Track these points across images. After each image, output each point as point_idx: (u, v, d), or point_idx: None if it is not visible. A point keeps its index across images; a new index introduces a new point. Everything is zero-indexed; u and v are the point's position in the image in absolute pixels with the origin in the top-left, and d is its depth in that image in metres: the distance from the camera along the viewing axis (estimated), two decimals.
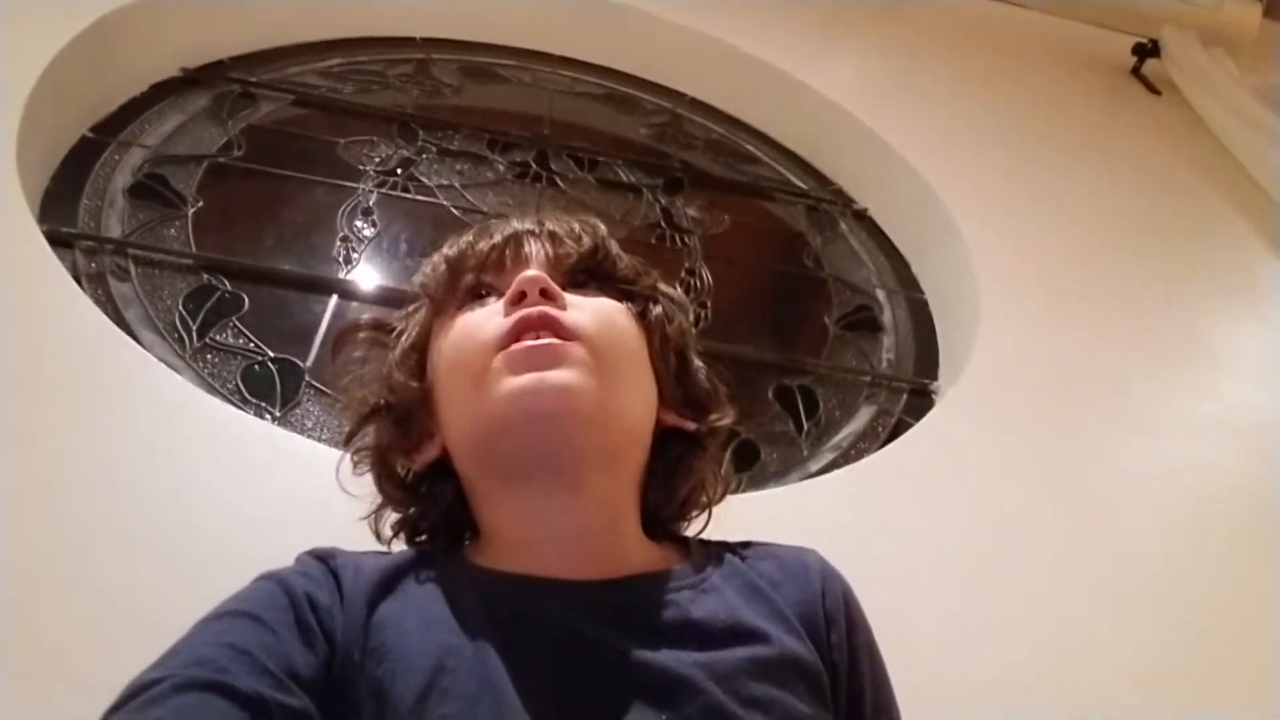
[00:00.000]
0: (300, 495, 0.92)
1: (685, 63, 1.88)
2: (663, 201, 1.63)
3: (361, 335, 0.71)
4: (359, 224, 1.40)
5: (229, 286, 1.23)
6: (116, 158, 1.35)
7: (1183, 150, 1.97)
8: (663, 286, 0.69)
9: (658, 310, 0.65)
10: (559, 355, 0.55)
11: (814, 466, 1.25)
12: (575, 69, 1.87)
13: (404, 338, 0.66)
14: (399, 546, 0.65)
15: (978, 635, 1.00)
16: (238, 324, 1.19)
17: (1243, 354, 1.53)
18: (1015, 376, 1.32)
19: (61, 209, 1.24)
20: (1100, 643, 1.04)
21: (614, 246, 0.67)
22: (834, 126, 1.78)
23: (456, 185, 1.53)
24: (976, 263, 1.47)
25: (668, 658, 0.51)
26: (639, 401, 0.61)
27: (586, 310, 0.60)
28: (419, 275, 0.69)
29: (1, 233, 1.09)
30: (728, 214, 1.65)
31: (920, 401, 1.38)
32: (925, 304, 1.58)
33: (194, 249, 1.27)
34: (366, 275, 1.33)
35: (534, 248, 0.64)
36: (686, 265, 1.51)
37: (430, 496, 0.65)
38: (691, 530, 0.68)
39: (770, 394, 1.35)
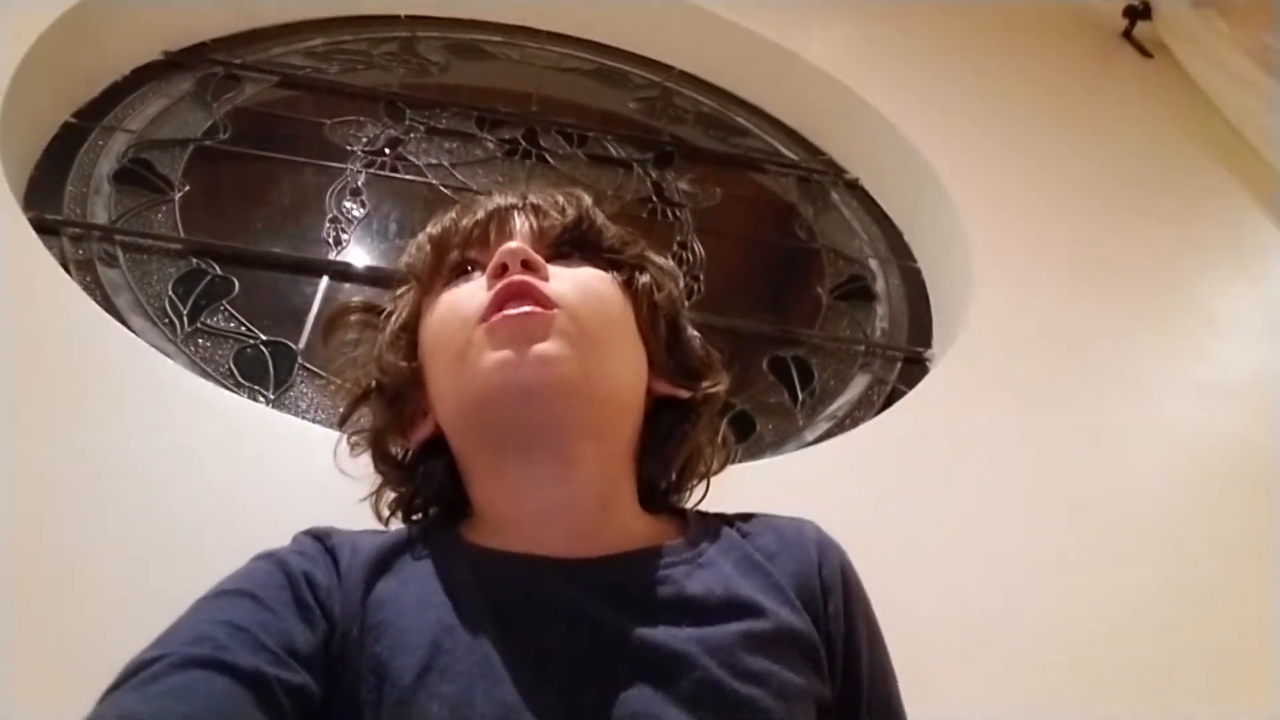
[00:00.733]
0: (295, 476, 0.92)
1: (673, 35, 1.86)
2: (653, 176, 1.62)
3: (353, 318, 0.70)
4: (348, 205, 1.39)
5: (219, 270, 1.23)
6: (101, 143, 1.33)
7: (1175, 113, 1.96)
8: (651, 254, 0.68)
9: (645, 279, 0.64)
10: (538, 324, 0.55)
11: (810, 436, 1.25)
12: (563, 44, 1.85)
13: (393, 319, 0.66)
14: (397, 525, 0.66)
15: (976, 597, 1.01)
16: (228, 308, 1.19)
17: (1235, 314, 1.53)
18: (1008, 342, 1.32)
19: (47, 196, 1.23)
20: (1097, 602, 1.05)
21: (599, 216, 0.66)
22: (824, 96, 1.77)
23: (445, 164, 1.52)
24: (968, 230, 1.47)
25: (663, 634, 0.51)
26: (626, 371, 0.60)
27: (568, 280, 0.59)
28: (405, 256, 0.68)
29: None
30: (719, 187, 1.64)
31: (915, 369, 1.38)
32: (918, 272, 1.57)
33: (182, 233, 1.26)
34: (357, 256, 1.32)
35: (518, 221, 0.63)
36: (678, 239, 1.51)
37: (425, 475, 0.64)
38: (691, 501, 0.68)
39: (765, 365, 1.35)
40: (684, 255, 1.48)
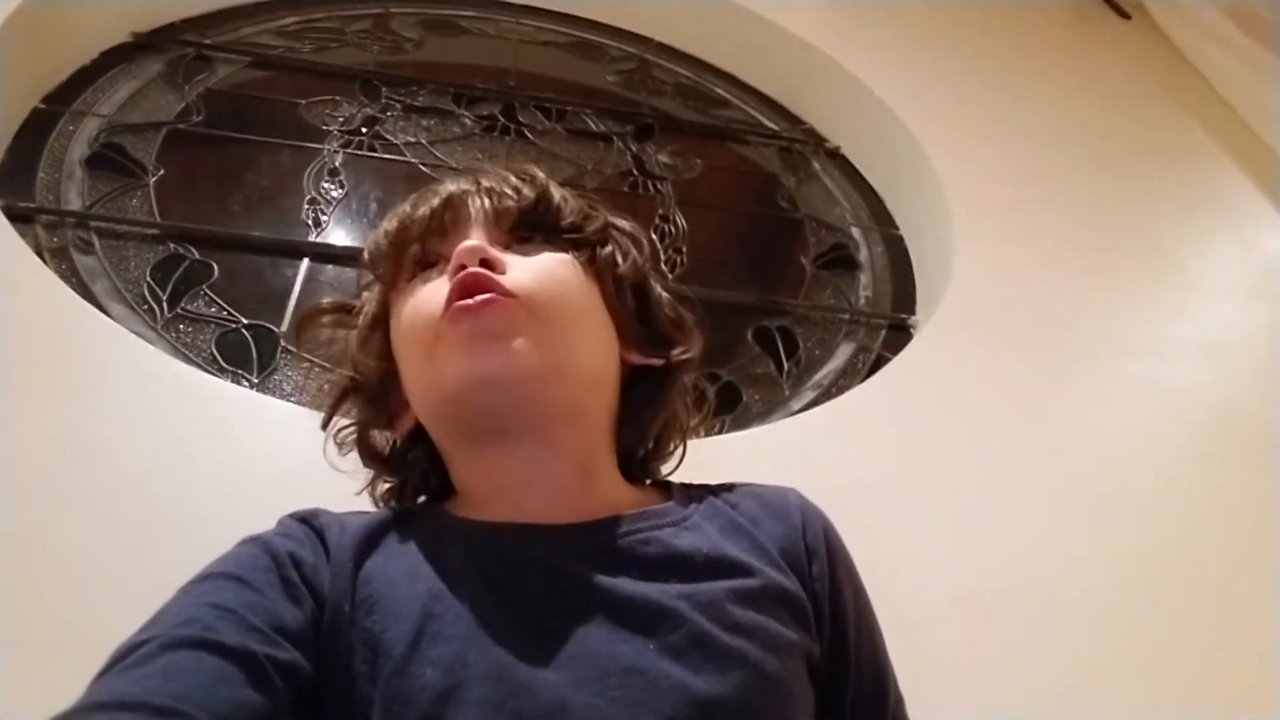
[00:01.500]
0: (282, 458, 0.92)
1: (650, 6, 1.84)
2: (634, 149, 1.61)
3: (324, 319, 0.71)
4: (326, 185, 1.38)
5: (197, 255, 1.21)
6: (71, 128, 1.31)
7: (1154, 73, 1.96)
8: (614, 222, 0.67)
9: (607, 252, 0.64)
10: (496, 313, 0.55)
11: (796, 405, 1.25)
12: (539, 18, 1.83)
13: (363, 317, 0.67)
14: None
15: (963, 561, 1.02)
16: (209, 292, 1.18)
17: (1217, 274, 1.55)
18: (991, 306, 1.33)
19: (18, 183, 1.21)
20: (1082, 563, 1.06)
21: (556, 194, 0.66)
22: (803, 65, 1.76)
23: (424, 142, 1.50)
24: (950, 196, 1.47)
25: (652, 589, 0.52)
26: (594, 350, 0.61)
27: (526, 269, 0.59)
28: (367, 251, 0.68)
29: None
30: (700, 158, 1.63)
31: (899, 336, 1.38)
32: (900, 239, 1.58)
33: (158, 218, 1.24)
34: (337, 237, 1.31)
35: (474, 207, 0.63)
36: (660, 212, 1.50)
37: (411, 463, 0.66)
38: (670, 465, 0.69)
39: (750, 336, 1.35)
40: (666, 228, 1.47)
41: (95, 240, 1.19)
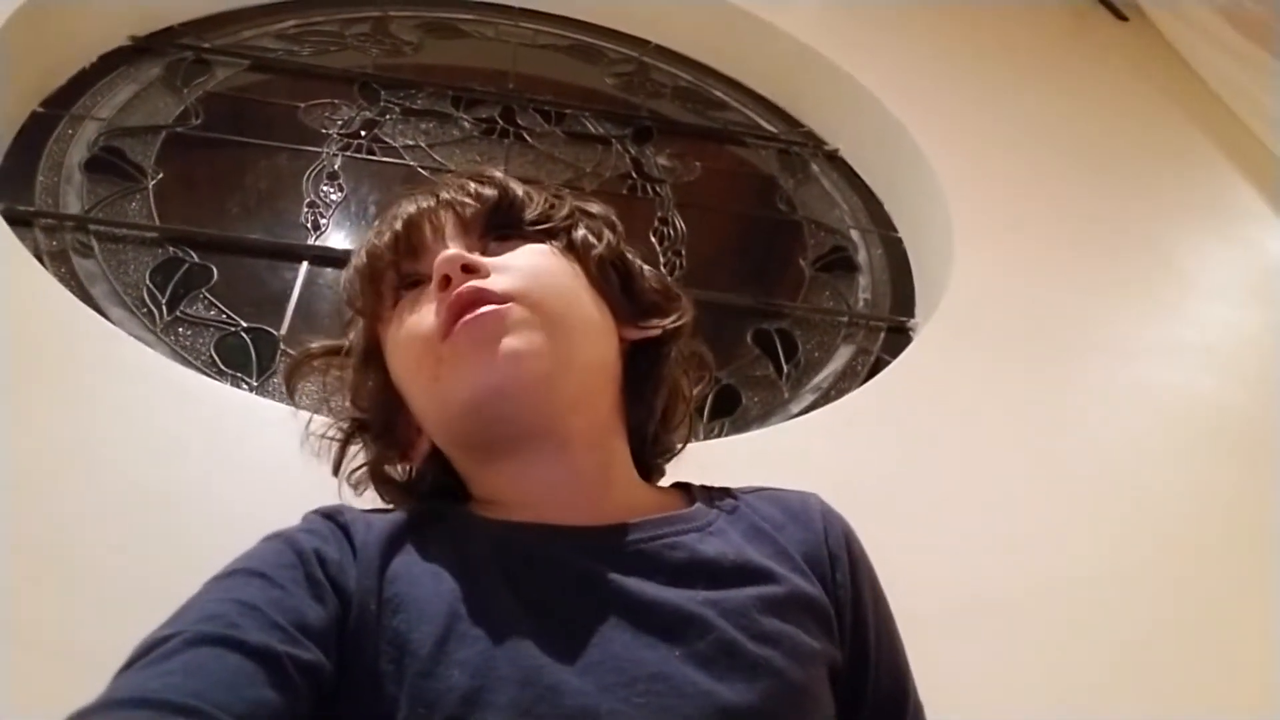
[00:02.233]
0: (282, 461, 0.91)
1: (649, 9, 1.85)
2: (632, 151, 1.62)
3: (314, 363, 0.70)
4: (325, 188, 1.38)
5: (196, 258, 1.21)
6: (70, 132, 1.31)
7: (1151, 75, 1.97)
8: (581, 205, 0.68)
9: (581, 234, 0.65)
10: (496, 322, 0.55)
11: (795, 408, 1.25)
12: (537, 20, 1.83)
13: (354, 355, 0.66)
14: None
15: (962, 562, 1.02)
16: (208, 295, 1.17)
17: (1215, 276, 1.55)
18: (991, 308, 1.33)
19: (17, 187, 1.21)
20: (1083, 564, 1.06)
21: (519, 189, 0.66)
22: (802, 67, 1.76)
23: (422, 145, 1.50)
24: (949, 197, 1.47)
25: (678, 596, 0.52)
26: (593, 335, 0.61)
27: (511, 269, 0.59)
28: (342, 288, 0.67)
29: None
30: (699, 161, 1.63)
31: (898, 339, 1.38)
32: (899, 241, 1.58)
33: (157, 221, 1.24)
34: (336, 240, 1.31)
35: (438, 221, 0.63)
36: (659, 214, 1.50)
37: (429, 480, 0.66)
38: (680, 438, 0.70)
39: (749, 338, 1.35)
40: (665, 230, 1.48)
41: (94, 244, 1.19)
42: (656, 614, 0.51)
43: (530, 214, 0.64)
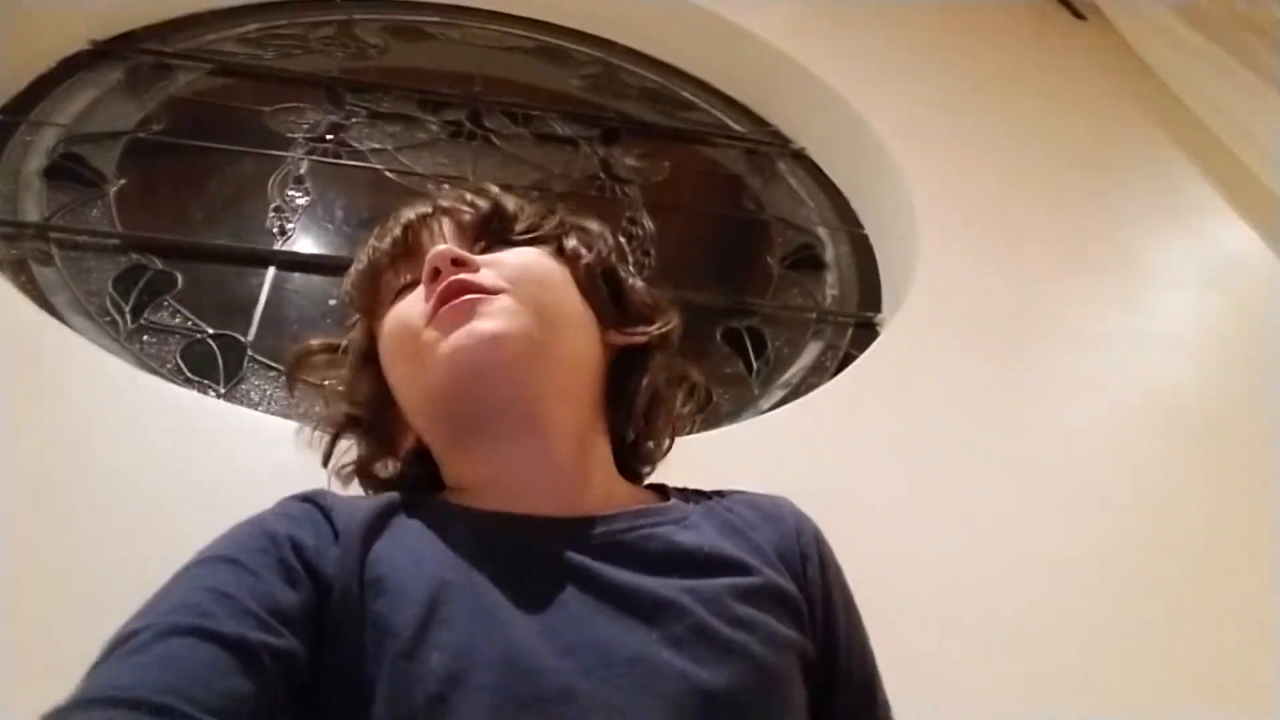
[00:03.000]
0: (251, 468, 0.91)
1: (615, 11, 1.85)
2: (601, 152, 1.62)
3: (314, 359, 0.73)
4: (291, 193, 1.37)
5: (160, 265, 1.20)
6: (29, 139, 1.29)
7: (1109, 72, 2.00)
8: (573, 220, 0.70)
9: (572, 242, 0.67)
10: (480, 308, 0.57)
11: (765, 404, 1.26)
12: (503, 23, 1.83)
13: (352, 352, 0.69)
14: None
15: (931, 552, 1.03)
16: (173, 302, 1.16)
17: (1174, 268, 1.58)
18: (955, 302, 1.35)
19: None
20: (1049, 552, 1.08)
21: (512, 201, 0.69)
22: (768, 68, 1.78)
23: (389, 148, 1.50)
24: (913, 194, 1.49)
25: (655, 583, 0.54)
26: (577, 330, 0.63)
27: (501, 264, 0.61)
28: (344, 291, 0.71)
29: None
30: (667, 161, 1.64)
31: (866, 334, 1.40)
32: (866, 238, 1.59)
33: (119, 228, 1.23)
34: (303, 244, 1.30)
35: (436, 226, 0.66)
36: (628, 214, 1.51)
37: (412, 479, 0.67)
38: (661, 451, 0.71)
39: (719, 336, 1.36)
40: (634, 230, 1.48)
41: (55, 252, 1.17)
42: (634, 599, 0.52)
43: (523, 223, 0.67)
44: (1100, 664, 1.00)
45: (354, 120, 1.53)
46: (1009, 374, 1.28)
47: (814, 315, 1.43)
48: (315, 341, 0.73)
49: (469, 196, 0.68)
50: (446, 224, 0.66)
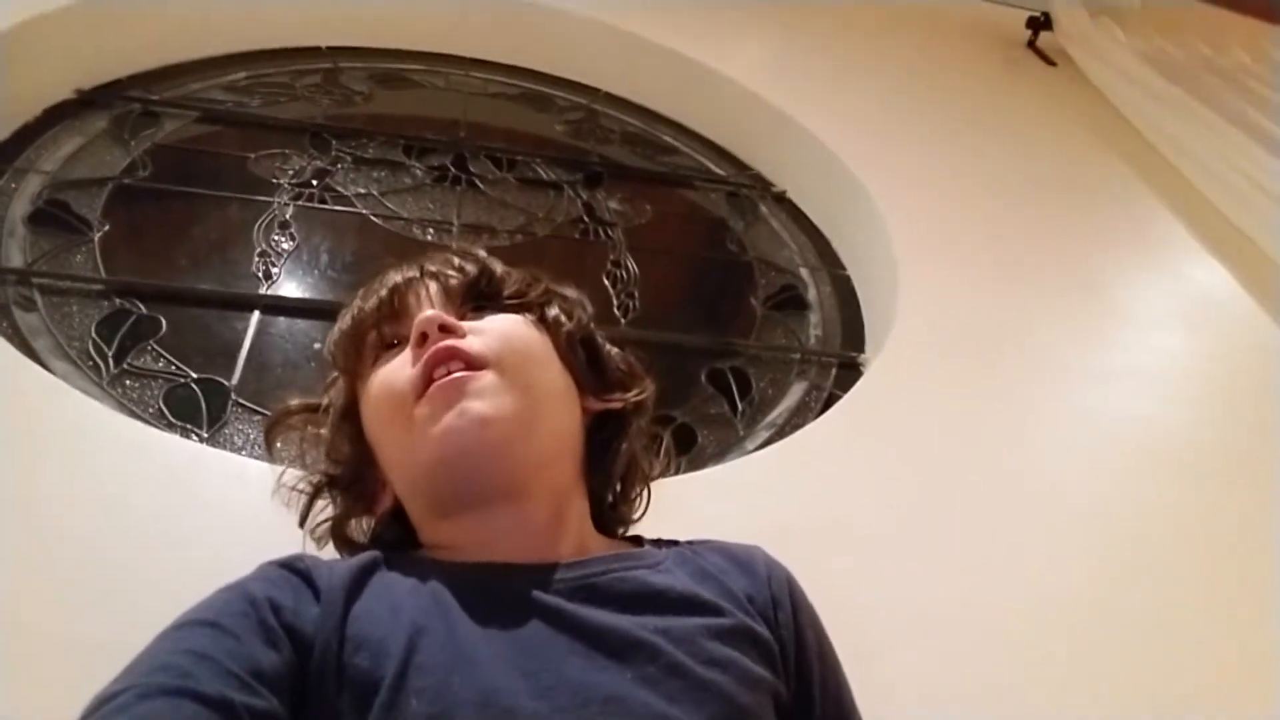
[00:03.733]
0: (234, 512, 0.90)
1: (598, 58, 1.89)
2: (584, 196, 1.64)
3: (292, 420, 0.73)
4: (276, 238, 1.37)
5: (144, 310, 1.20)
6: (13, 186, 1.30)
7: (1080, 116, 2.06)
8: (555, 288, 0.72)
9: (554, 311, 0.69)
10: (470, 388, 0.58)
11: (751, 445, 1.27)
12: (487, 70, 1.86)
13: (333, 411, 0.70)
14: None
15: (916, 591, 1.03)
16: (156, 347, 1.16)
17: (1148, 305, 1.61)
18: (936, 342, 1.36)
19: None
20: (1034, 590, 1.08)
21: (499, 266, 0.70)
22: (748, 112, 1.81)
23: (375, 193, 1.51)
24: (893, 235, 1.52)
25: (629, 622, 0.54)
26: (558, 402, 0.65)
27: (487, 333, 0.62)
28: (326, 349, 0.72)
29: None
30: (649, 204, 1.66)
31: (850, 374, 1.41)
32: (848, 279, 1.62)
33: (103, 274, 1.23)
34: (288, 289, 1.30)
35: (422, 290, 0.67)
36: (612, 257, 1.52)
37: (389, 539, 0.68)
38: (637, 513, 0.73)
39: (703, 378, 1.36)
40: (618, 273, 1.49)
41: (38, 297, 1.16)
42: (608, 639, 0.53)
43: (508, 289, 0.68)
44: (1089, 699, 1.00)
45: (339, 166, 1.54)
46: (990, 411, 1.29)
47: (798, 355, 1.44)
48: (295, 403, 0.73)
49: (456, 260, 0.69)
50: (433, 287, 0.67)
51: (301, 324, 1.26)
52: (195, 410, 1.10)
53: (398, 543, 0.67)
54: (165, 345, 1.16)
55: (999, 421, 1.28)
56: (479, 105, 1.80)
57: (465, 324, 0.63)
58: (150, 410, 1.08)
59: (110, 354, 1.13)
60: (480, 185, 1.60)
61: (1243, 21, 2.53)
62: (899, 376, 1.30)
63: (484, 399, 0.58)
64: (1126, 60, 2.13)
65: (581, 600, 0.55)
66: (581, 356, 0.69)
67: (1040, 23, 2.28)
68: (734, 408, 1.33)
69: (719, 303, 1.60)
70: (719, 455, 1.24)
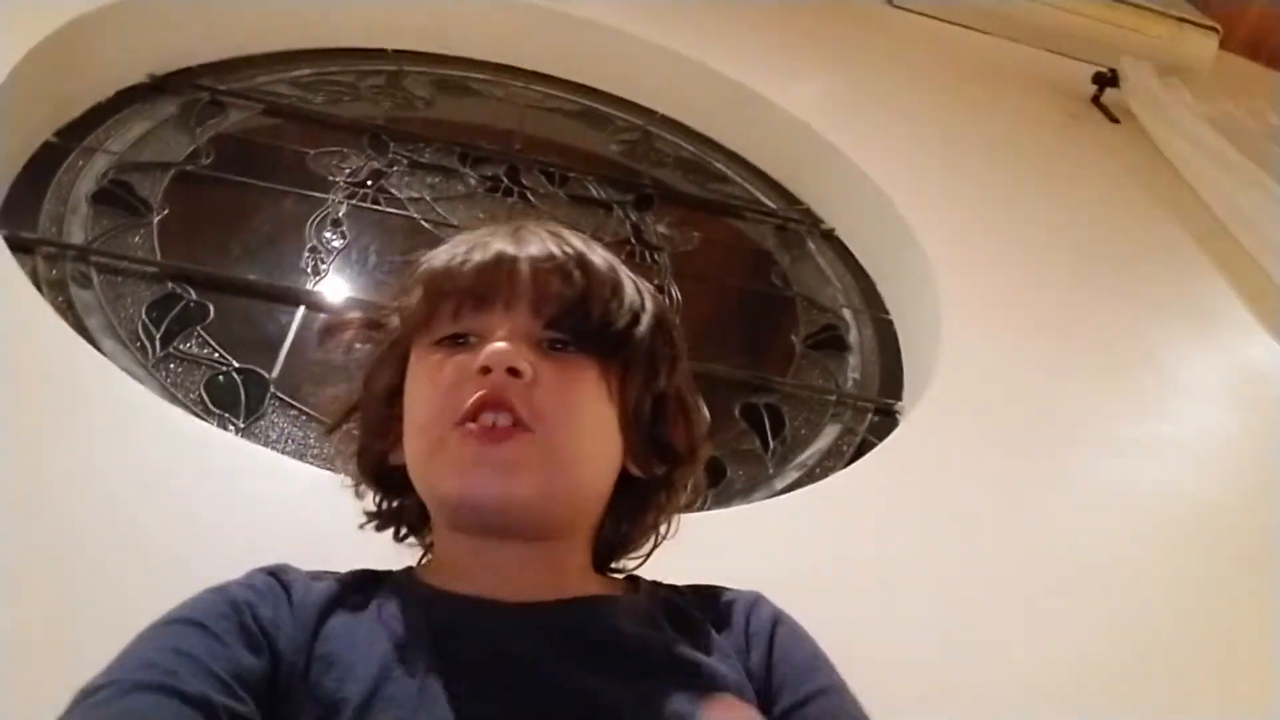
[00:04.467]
0: (263, 506, 0.91)
1: (657, 80, 1.90)
2: (633, 218, 1.64)
3: (349, 333, 0.70)
4: (328, 235, 1.39)
5: (194, 296, 1.22)
6: (81, 163, 1.33)
7: (1140, 177, 2.03)
8: (663, 317, 0.65)
9: (639, 369, 0.62)
10: (507, 452, 0.55)
11: (779, 484, 1.26)
12: (548, 84, 1.88)
13: (385, 343, 0.66)
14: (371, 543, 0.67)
15: (940, 651, 1.01)
16: (202, 333, 1.18)
17: (1196, 375, 1.57)
18: (977, 397, 1.34)
19: (23, 214, 1.22)
20: (1065, 655, 1.06)
21: (606, 287, 0.61)
22: (804, 147, 1.81)
23: (427, 198, 1.52)
24: (940, 284, 1.50)
25: (600, 680, 0.53)
26: (597, 472, 0.61)
27: (551, 392, 0.57)
28: (395, 295, 0.66)
29: None
30: (697, 231, 1.66)
31: (885, 421, 1.39)
32: (890, 324, 1.60)
33: (159, 257, 1.25)
34: (335, 286, 1.32)
35: (519, 283, 0.59)
36: (656, 282, 1.52)
37: (406, 507, 0.67)
38: (640, 555, 0.70)
39: (737, 411, 1.36)
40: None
41: (94, 275, 1.19)
42: (579, 697, 0.52)
43: (609, 327, 0.61)
44: None
45: (395, 168, 1.56)
46: (1027, 474, 1.27)
47: (834, 397, 1.43)
48: (356, 314, 0.70)
49: (563, 264, 0.60)
50: (527, 292, 0.59)
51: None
52: (235, 399, 1.12)
53: (415, 521, 0.67)
54: (211, 332, 1.18)
55: (1034, 484, 1.26)
56: (537, 118, 1.81)
57: (533, 363, 0.57)
58: (191, 396, 1.10)
59: (158, 337, 1.15)
60: (531, 198, 1.61)
61: None
62: (936, 430, 1.28)
63: (518, 471, 0.55)
64: (1192, 124, 2.09)
65: (555, 649, 0.54)
66: (645, 422, 0.63)
67: (1107, 79, 2.25)
68: (765, 445, 1.32)
69: (758, 336, 1.59)
70: (746, 492, 1.23)
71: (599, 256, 0.63)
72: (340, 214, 1.43)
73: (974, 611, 1.07)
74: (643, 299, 0.64)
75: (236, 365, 1.15)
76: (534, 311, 0.59)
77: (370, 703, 0.49)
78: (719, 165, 1.85)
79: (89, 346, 1.06)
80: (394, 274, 1.37)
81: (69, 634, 0.77)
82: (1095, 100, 2.28)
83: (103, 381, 1.00)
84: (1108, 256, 1.76)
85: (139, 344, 1.13)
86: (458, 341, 0.60)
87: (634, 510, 0.66)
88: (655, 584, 0.66)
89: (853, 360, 1.52)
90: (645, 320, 0.63)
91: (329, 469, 0.97)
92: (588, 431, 0.59)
